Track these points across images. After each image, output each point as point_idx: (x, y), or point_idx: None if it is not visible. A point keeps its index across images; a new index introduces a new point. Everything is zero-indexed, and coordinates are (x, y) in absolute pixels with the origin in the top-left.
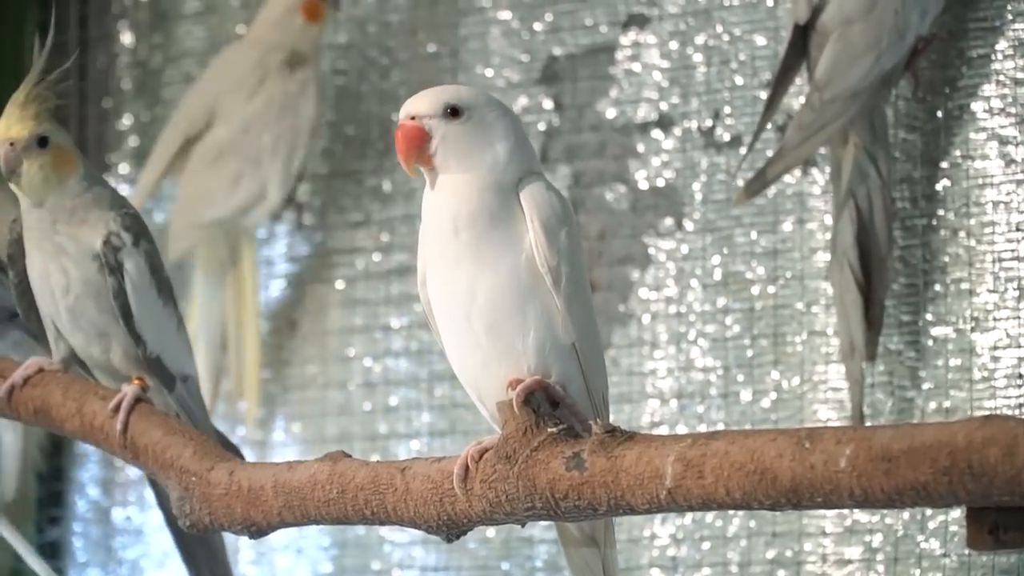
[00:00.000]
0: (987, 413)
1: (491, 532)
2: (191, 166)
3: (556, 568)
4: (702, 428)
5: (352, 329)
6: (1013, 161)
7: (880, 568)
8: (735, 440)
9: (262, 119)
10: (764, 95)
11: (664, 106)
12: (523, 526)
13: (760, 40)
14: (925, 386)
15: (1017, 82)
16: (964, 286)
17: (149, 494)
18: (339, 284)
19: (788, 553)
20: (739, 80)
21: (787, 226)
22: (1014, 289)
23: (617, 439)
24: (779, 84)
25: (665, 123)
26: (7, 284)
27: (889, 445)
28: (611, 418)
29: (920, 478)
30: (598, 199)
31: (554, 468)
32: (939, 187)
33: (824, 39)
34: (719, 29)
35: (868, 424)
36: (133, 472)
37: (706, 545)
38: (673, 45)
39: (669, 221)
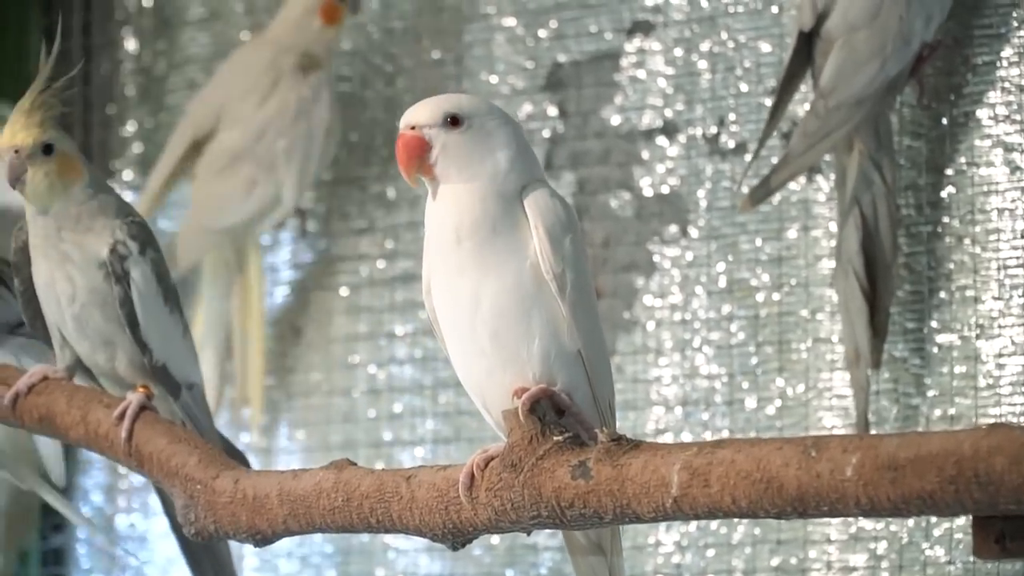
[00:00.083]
0: (992, 420)
1: (495, 539)
2: (202, 172)
3: (561, 575)
4: (707, 435)
5: (356, 336)
6: (1018, 168)
7: None
8: (741, 448)
9: (276, 124)
10: (769, 102)
11: (669, 113)
12: (528, 534)
13: (765, 47)
14: (930, 393)
15: (1022, 89)
16: (969, 293)
17: (153, 501)
18: (343, 291)
19: (793, 560)
20: (744, 87)
21: (792, 233)
22: (1019, 296)
23: (623, 447)
24: (784, 91)
25: (670, 130)
26: (7, 298)
27: (895, 454)
28: (616, 425)
29: (926, 487)
30: (602, 206)
31: (560, 476)
32: (944, 194)
33: (829, 46)
34: (724, 36)
35: (873, 431)
36: (137, 479)
37: (711, 552)
38: (678, 52)
39: (674, 228)
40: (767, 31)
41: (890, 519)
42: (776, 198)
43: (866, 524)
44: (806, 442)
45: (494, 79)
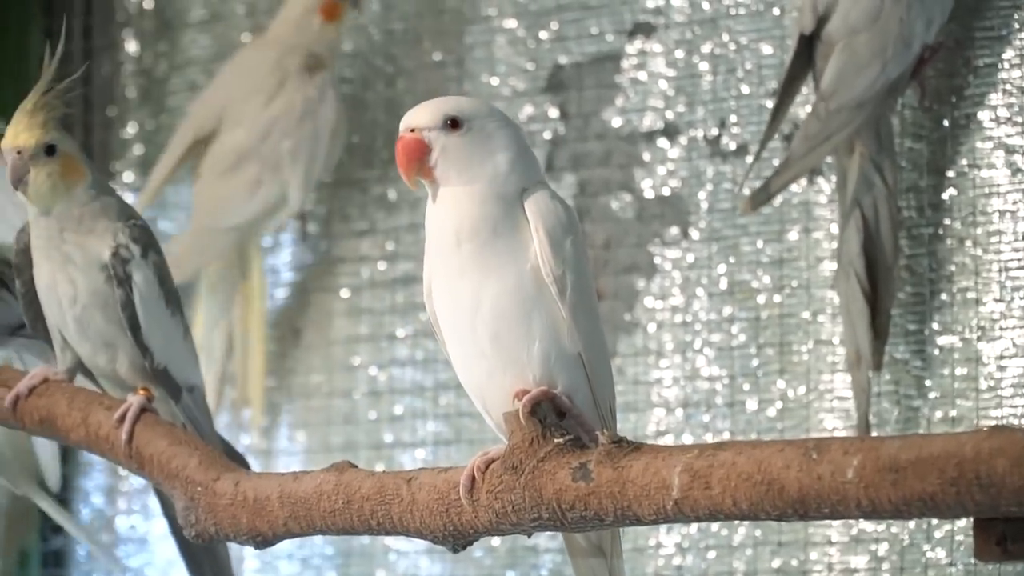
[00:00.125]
0: (993, 422)
1: (496, 541)
2: (206, 172)
3: None
4: (708, 437)
5: (357, 338)
6: (1019, 170)
7: None
8: (742, 451)
9: (282, 125)
10: (770, 104)
11: (670, 115)
12: (529, 536)
13: (766, 49)
14: (931, 395)
15: (1023, 91)
16: (970, 295)
17: (153, 503)
18: (344, 293)
19: (794, 562)
20: (745, 89)
21: (793, 235)
22: (1020, 298)
23: (624, 450)
24: (785, 94)
25: (671, 132)
26: (8, 300)
27: (897, 456)
28: (617, 428)
29: (928, 489)
30: (604, 208)
31: (560, 479)
32: (945, 196)
33: (829, 49)
34: (725, 38)
35: (874, 433)
36: (137, 481)
37: (712, 554)
38: (679, 54)
39: (675, 230)
40: (768, 33)
41: (891, 521)
42: (777, 200)
43: (867, 526)
44: (807, 444)
45: (495, 81)
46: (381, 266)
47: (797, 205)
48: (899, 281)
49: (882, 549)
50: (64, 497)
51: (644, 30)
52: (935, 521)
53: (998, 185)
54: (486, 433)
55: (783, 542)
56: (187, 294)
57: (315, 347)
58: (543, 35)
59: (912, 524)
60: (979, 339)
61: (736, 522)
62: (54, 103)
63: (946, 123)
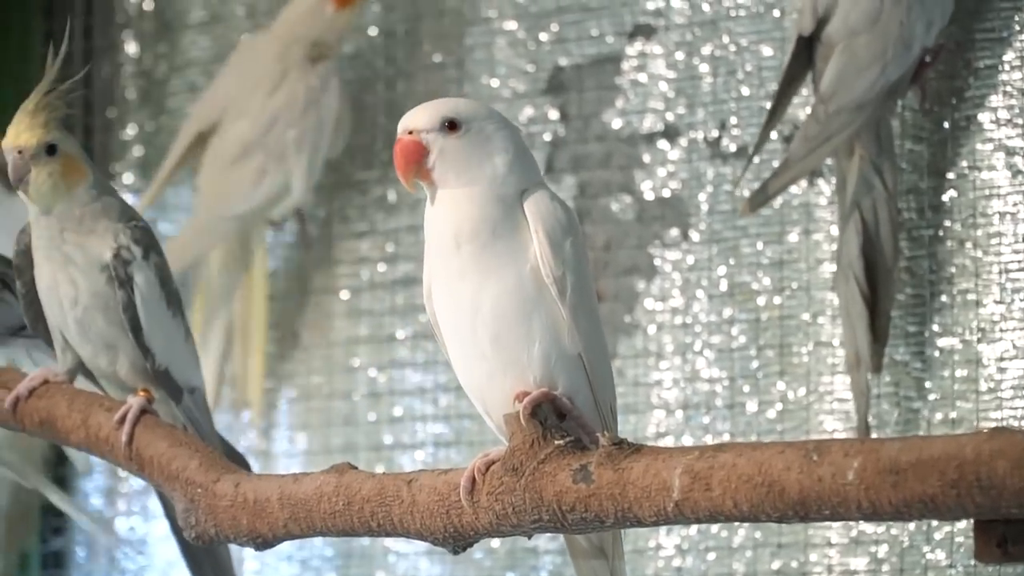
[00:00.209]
0: (993, 424)
1: (496, 543)
2: (210, 163)
3: None
4: (708, 439)
5: (357, 339)
6: (1020, 172)
7: None
8: (743, 452)
9: (286, 114)
10: (770, 106)
11: (670, 116)
12: (529, 538)
13: (767, 51)
14: (931, 397)
15: None
16: (970, 297)
17: (153, 504)
18: (344, 294)
19: (794, 564)
20: (745, 91)
21: (793, 237)
22: (1021, 300)
23: (624, 451)
24: (783, 95)
25: (671, 133)
26: (10, 301)
27: (897, 458)
28: (617, 429)
29: (928, 491)
30: (604, 210)
31: (561, 480)
32: (946, 198)
33: (829, 51)
34: (726, 39)
35: (874, 435)
36: (137, 482)
37: (711, 556)
38: (679, 55)
39: (675, 232)
40: (768, 35)
41: (891, 523)
42: (777, 202)
43: (867, 528)
44: (807, 446)
45: (495, 83)
46: (381, 268)
47: (797, 207)
48: (899, 283)
49: (882, 551)
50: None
51: (644, 32)
52: (935, 523)
53: (998, 187)
54: (486, 435)
55: (783, 544)
56: (186, 291)
57: (315, 348)
58: (543, 37)
59: (912, 526)
60: (979, 341)
61: (736, 524)
62: (56, 103)
63: (946, 125)
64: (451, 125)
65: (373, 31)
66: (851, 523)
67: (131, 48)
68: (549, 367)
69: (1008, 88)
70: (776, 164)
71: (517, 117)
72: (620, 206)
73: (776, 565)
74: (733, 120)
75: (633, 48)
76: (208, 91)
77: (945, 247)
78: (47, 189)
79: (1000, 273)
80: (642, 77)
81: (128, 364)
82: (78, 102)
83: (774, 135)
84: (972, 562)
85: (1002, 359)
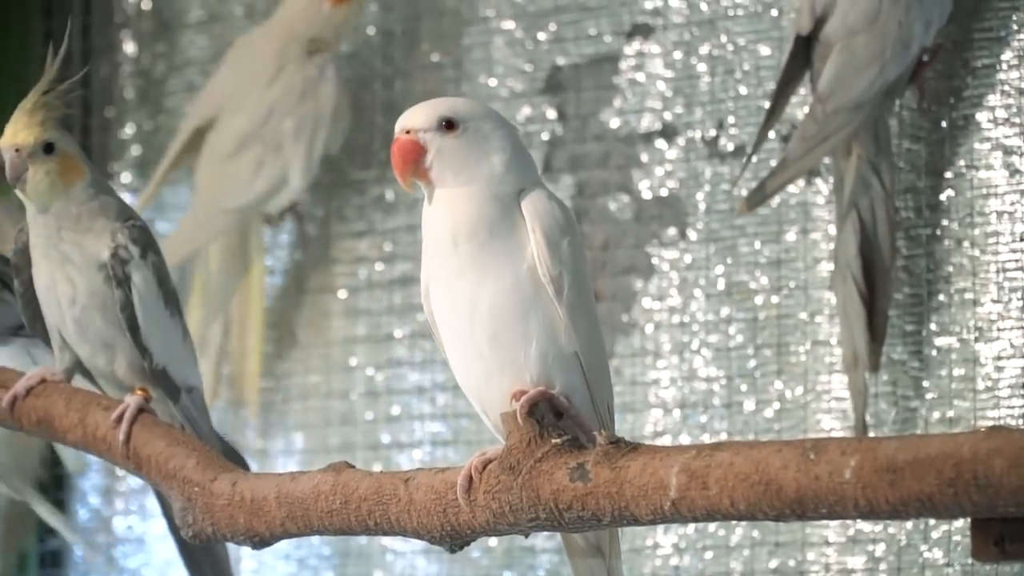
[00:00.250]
0: (991, 423)
1: (493, 542)
2: (208, 156)
3: None
4: (705, 438)
5: (355, 338)
6: (1017, 171)
7: None
8: (740, 451)
9: (283, 105)
10: (768, 105)
11: (668, 116)
12: (527, 536)
13: (764, 50)
14: (928, 396)
15: (1022, 92)
16: (968, 296)
17: (151, 503)
18: (342, 294)
19: (791, 563)
20: (743, 90)
21: (791, 236)
22: (1018, 299)
23: (621, 450)
24: (780, 94)
25: (669, 133)
26: (9, 300)
27: (894, 456)
28: (615, 428)
29: (925, 489)
30: (602, 209)
31: (558, 479)
32: (943, 197)
33: (827, 50)
34: (723, 39)
35: (872, 434)
36: (135, 481)
37: (709, 555)
38: (677, 55)
39: (673, 231)
40: (766, 34)
41: (888, 521)
42: (775, 201)
43: (864, 526)
44: (805, 444)
45: (493, 82)
46: (379, 267)
47: (795, 206)
48: (897, 282)
49: (879, 550)
50: (61, 497)
51: (642, 31)
52: (932, 521)
53: (996, 186)
54: (484, 434)
55: (780, 542)
56: (184, 287)
57: (312, 348)
58: (541, 36)
59: (909, 525)
60: (976, 340)
61: (733, 522)
62: (54, 103)
63: (944, 124)
64: (448, 124)
65: (371, 31)
66: (849, 522)
67: (129, 48)
68: (546, 366)
69: (1006, 87)
70: (774, 163)
71: (515, 116)
72: (618, 205)
73: (773, 564)
74: (731, 119)
75: (631, 48)
76: (205, 88)
77: (943, 246)
78: (44, 188)
79: (997, 272)
80: (640, 76)
81: (126, 363)
82: (76, 101)
83: (772, 134)
84: (969, 561)
85: (999, 358)
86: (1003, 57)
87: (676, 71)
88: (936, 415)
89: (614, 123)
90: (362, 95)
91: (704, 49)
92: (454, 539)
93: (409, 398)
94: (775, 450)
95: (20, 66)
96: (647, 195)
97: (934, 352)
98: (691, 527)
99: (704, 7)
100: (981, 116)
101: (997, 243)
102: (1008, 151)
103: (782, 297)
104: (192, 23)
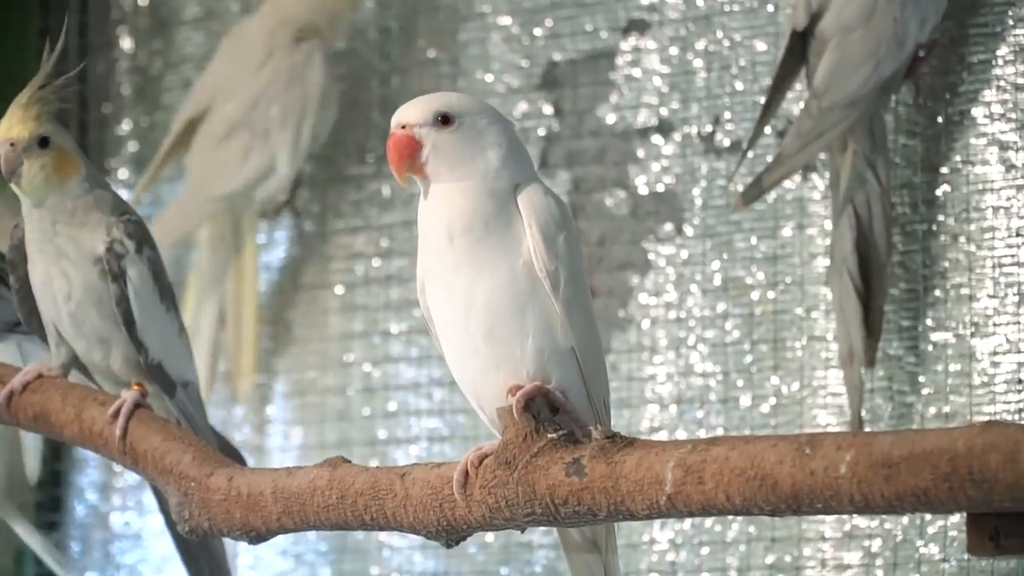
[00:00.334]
0: (987, 419)
1: (490, 537)
2: (199, 144)
3: (555, 573)
4: (701, 433)
5: (351, 334)
6: (1013, 166)
7: (879, 573)
8: (735, 446)
9: (269, 92)
10: (764, 101)
11: (664, 111)
12: (523, 531)
13: (760, 45)
14: (924, 391)
15: (1018, 87)
16: (964, 291)
17: (148, 499)
18: (338, 289)
19: (787, 558)
20: (739, 85)
21: (787, 231)
22: (1014, 294)
23: (617, 445)
24: (776, 90)
25: (665, 128)
26: (7, 296)
27: (890, 451)
28: (611, 424)
29: (920, 484)
30: (598, 205)
31: (554, 474)
32: (939, 192)
33: (823, 46)
34: (719, 34)
35: (867, 429)
36: (132, 477)
37: (705, 550)
38: (673, 50)
39: (669, 226)
40: (762, 30)
41: (884, 516)
42: (771, 196)
43: (860, 522)
44: (800, 439)
45: (489, 78)
46: (375, 263)
47: (791, 201)
48: (893, 277)
49: (875, 545)
50: (57, 493)
51: (638, 27)
52: (928, 517)
53: (992, 181)
54: (480, 429)
55: (776, 538)
56: (179, 284)
57: (309, 343)
58: (537, 32)
59: (905, 520)
60: (972, 335)
61: (729, 518)
62: (49, 97)
63: (940, 120)
64: (444, 119)
65: (368, 27)
66: (845, 517)
67: (126, 44)
68: (542, 361)
69: (1002, 83)
70: (770, 159)
71: (511, 112)
72: (614, 201)
73: (770, 559)
74: (727, 115)
75: (627, 43)
76: (199, 80)
77: (939, 242)
78: (39, 182)
79: (993, 268)
80: (636, 72)
81: (121, 358)
82: (73, 98)
83: (768, 130)
84: (965, 556)
85: (995, 353)
86: (999, 53)
87: (672, 67)
88: (932, 410)
89: (610, 119)
90: (358, 91)
91: (700, 45)
92: (450, 534)
93: (406, 394)
94: (771, 445)
95: (17, 63)
96: (643, 191)
97: (930, 347)
98: (687, 522)
99: (700, 3)
100: (977, 112)
101: (993, 239)
102: (1004, 146)
103: (778, 293)
104: (189, 19)
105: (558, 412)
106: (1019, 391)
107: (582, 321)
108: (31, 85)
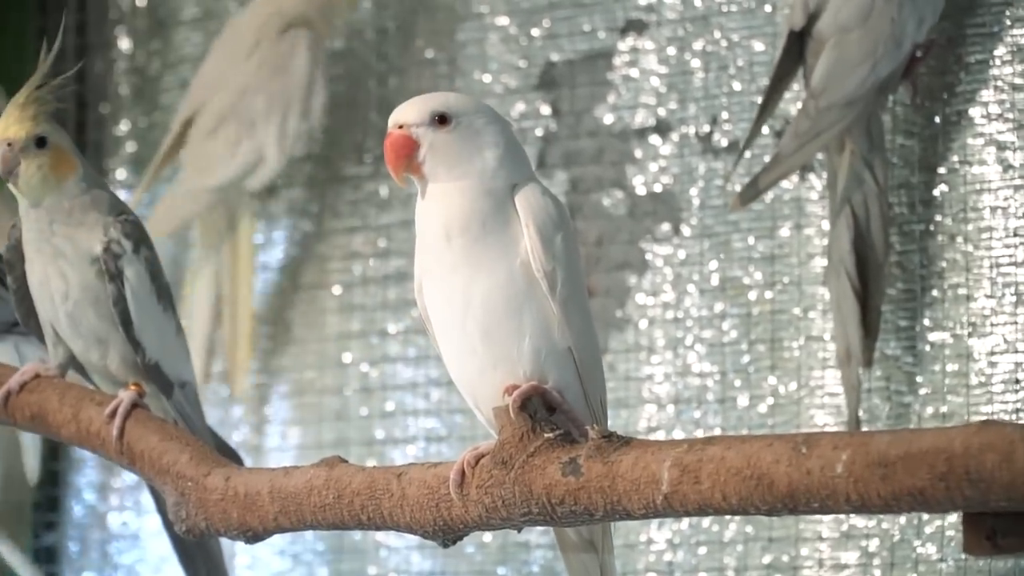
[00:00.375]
0: (984, 418)
1: (487, 537)
2: (193, 138)
3: (552, 573)
4: (699, 433)
5: (349, 334)
6: (1011, 166)
7: (877, 573)
8: (732, 445)
9: (256, 82)
10: (761, 101)
11: (662, 112)
12: (519, 531)
13: (758, 46)
14: (922, 391)
15: (1015, 87)
16: (961, 291)
17: (145, 499)
18: (336, 289)
19: (784, 558)
20: (737, 86)
21: (784, 231)
22: (1011, 294)
23: (613, 444)
24: (774, 90)
25: (663, 129)
26: (4, 297)
27: (886, 451)
28: (608, 424)
29: (917, 484)
30: (596, 205)
31: (550, 473)
32: (937, 192)
33: (820, 46)
34: (717, 35)
35: (865, 429)
36: (129, 477)
37: (702, 550)
38: (671, 51)
39: (666, 227)
40: (760, 30)
41: (881, 516)
42: (769, 196)
43: (858, 521)
44: (797, 439)
45: (487, 78)
46: (373, 263)
47: (788, 201)
48: (890, 277)
49: (872, 545)
50: (55, 494)
51: (636, 27)
52: (925, 516)
53: (989, 181)
54: (477, 429)
55: (774, 538)
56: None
57: (307, 343)
58: (535, 32)
59: (902, 519)
60: (970, 335)
61: (727, 518)
62: (46, 97)
63: (937, 120)
64: (441, 119)
65: (365, 27)
66: (842, 517)
67: (124, 44)
68: (539, 361)
69: (999, 83)
70: (767, 159)
71: (509, 113)
72: (612, 201)
73: (767, 559)
74: (724, 115)
75: (625, 44)
76: (195, 78)
77: (936, 242)
78: (36, 182)
79: (991, 268)
80: (634, 72)
81: (119, 358)
82: (71, 98)
83: (765, 130)
84: (962, 555)
85: (992, 353)
86: (996, 53)
87: (670, 67)
88: (929, 410)
89: (608, 119)
90: (356, 91)
91: (698, 45)
92: (447, 534)
93: (403, 394)
94: (767, 444)
95: (15, 63)
96: (641, 191)
97: (927, 347)
98: (685, 522)
99: (698, 3)
100: (974, 112)
101: (990, 238)
102: (1001, 147)
103: (775, 293)
104: (187, 20)
105: (555, 412)
106: (1016, 391)
107: (579, 321)
108: (28, 85)
